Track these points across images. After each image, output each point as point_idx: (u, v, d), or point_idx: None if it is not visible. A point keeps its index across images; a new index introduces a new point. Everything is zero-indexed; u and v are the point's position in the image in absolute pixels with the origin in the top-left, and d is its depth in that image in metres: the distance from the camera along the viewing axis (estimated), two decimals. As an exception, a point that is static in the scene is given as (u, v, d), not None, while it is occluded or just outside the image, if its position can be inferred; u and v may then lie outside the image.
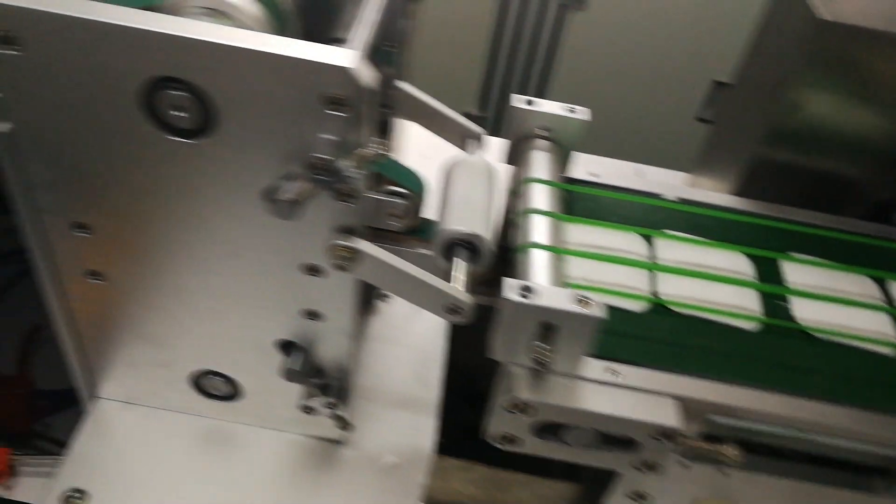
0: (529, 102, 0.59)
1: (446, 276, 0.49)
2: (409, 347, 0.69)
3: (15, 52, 0.39)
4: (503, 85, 1.90)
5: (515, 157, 0.61)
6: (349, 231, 0.45)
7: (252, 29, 0.45)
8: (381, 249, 0.45)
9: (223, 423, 0.60)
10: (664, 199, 0.65)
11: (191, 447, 0.59)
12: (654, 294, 0.55)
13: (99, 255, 0.49)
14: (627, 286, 0.55)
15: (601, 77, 1.83)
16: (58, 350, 0.82)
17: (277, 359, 0.54)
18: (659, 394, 0.48)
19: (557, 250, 0.51)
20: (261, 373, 0.55)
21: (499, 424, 0.50)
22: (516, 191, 0.58)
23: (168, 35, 0.38)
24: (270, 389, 0.56)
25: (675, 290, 0.56)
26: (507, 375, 0.48)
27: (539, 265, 0.50)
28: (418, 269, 0.47)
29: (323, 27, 0.55)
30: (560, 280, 0.50)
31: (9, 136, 0.43)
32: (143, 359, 0.56)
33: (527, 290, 0.45)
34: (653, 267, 0.57)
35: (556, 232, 0.53)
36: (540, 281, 0.49)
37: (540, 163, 0.58)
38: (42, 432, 0.75)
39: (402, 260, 0.46)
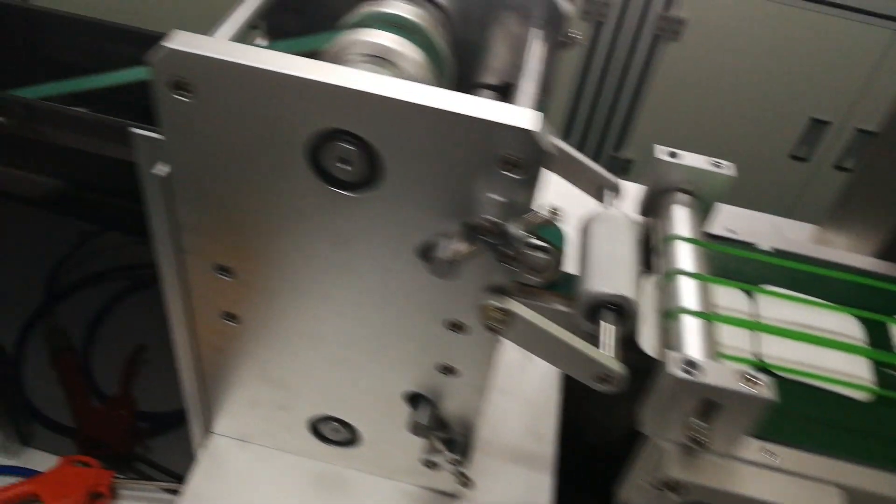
0: (673, 155, 0.57)
1: (586, 336, 0.46)
2: (521, 398, 0.67)
3: (185, 99, 0.38)
4: (588, 116, 1.87)
5: (652, 209, 0.58)
6: (501, 291, 0.43)
7: (415, 76, 0.44)
8: (533, 312, 0.43)
9: (337, 468, 0.58)
10: (803, 261, 0.62)
11: (304, 490, 0.57)
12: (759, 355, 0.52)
13: (238, 298, 0.48)
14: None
15: (692, 111, 1.79)
16: (161, 372, 0.82)
17: (403, 410, 0.52)
18: (822, 481, 0.45)
19: (710, 317, 0.48)
20: (383, 422, 0.54)
21: (640, 498, 0.47)
22: (657, 248, 0.55)
23: (345, 88, 0.36)
24: (390, 439, 0.55)
25: (780, 352, 0.53)
26: (656, 450, 0.45)
27: (692, 334, 0.47)
28: (569, 334, 0.44)
29: (468, 71, 0.54)
30: (714, 350, 0.47)
31: (166, 180, 0.42)
32: (263, 400, 0.55)
33: (691, 365, 0.42)
34: (788, 334, 0.54)
35: (704, 295, 0.51)
36: (693, 352, 0.46)
37: (682, 218, 0.56)
38: (143, 455, 0.75)
39: (553, 325, 0.44)
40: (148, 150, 0.42)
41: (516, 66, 0.51)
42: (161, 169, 0.42)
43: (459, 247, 0.40)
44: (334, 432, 0.56)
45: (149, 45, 0.37)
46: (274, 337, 0.50)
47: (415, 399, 0.52)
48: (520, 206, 0.38)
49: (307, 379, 0.52)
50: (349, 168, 0.39)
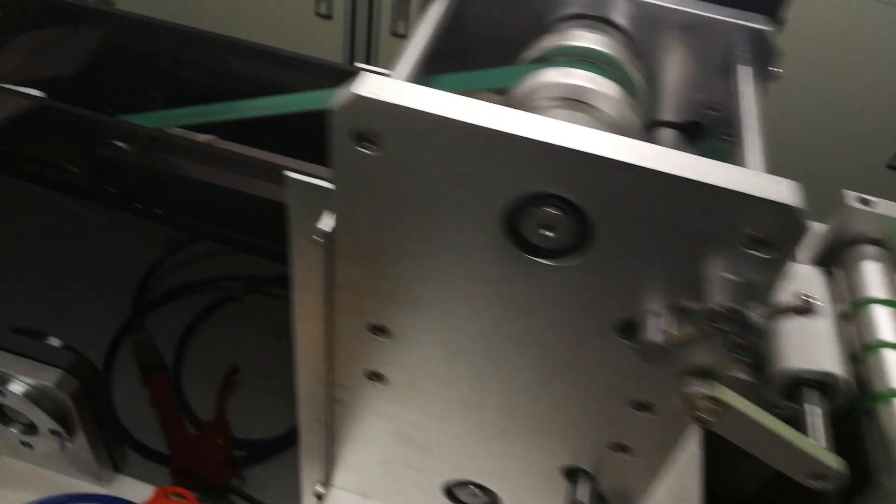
0: (865, 202, 0.50)
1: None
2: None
3: (369, 152, 0.33)
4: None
5: (834, 260, 0.52)
6: (709, 374, 0.37)
7: (618, 118, 0.38)
8: (746, 401, 0.37)
9: (468, 532, 0.53)
10: None
11: (432, 555, 0.53)
12: None
13: (391, 359, 0.43)
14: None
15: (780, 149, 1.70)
16: (256, 395, 0.78)
17: (557, 482, 0.47)
18: None
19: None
20: (531, 492, 0.48)
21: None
22: (849, 314, 0.48)
23: (566, 149, 0.30)
24: (534, 508, 0.49)
25: None
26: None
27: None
28: (783, 425, 0.38)
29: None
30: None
31: (330, 234, 0.37)
32: (397, 459, 0.50)
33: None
34: None
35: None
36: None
37: (875, 277, 0.49)
38: (239, 488, 0.71)
39: (766, 414, 0.38)
40: (309, 198, 0.37)
41: (699, 102, 0.45)
42: (327, 223, 0.36)
43: (677, 329, 0.34)
44: (472, 496, 0.51)
45: (282, 66, 0.32)
46: (424, 401, 0.45)
47: (573, 473, 0.46)
48: (762, 289, 0.32)
49: (454, 444, 0.47)
50: (552, 235, 0.33)
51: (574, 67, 0.37)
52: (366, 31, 1.90)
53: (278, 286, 0.87)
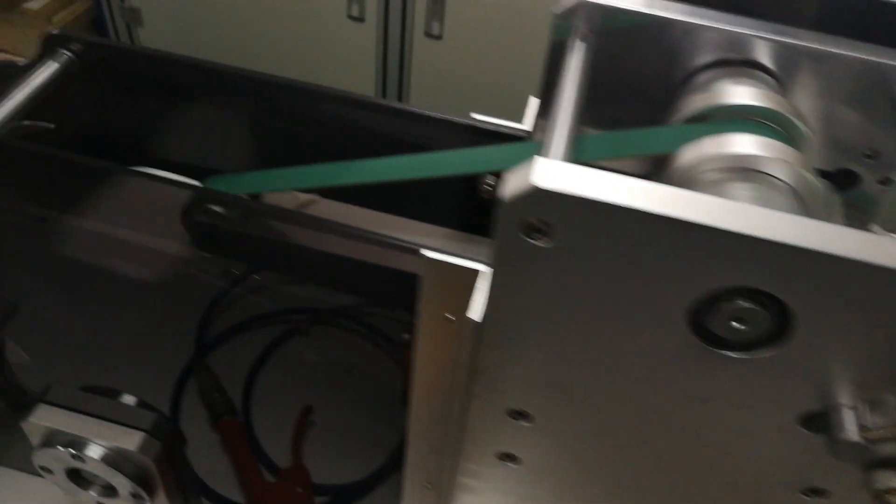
0: None
1: None
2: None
3: (539, 244, 0.29)
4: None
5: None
6: (893, 464, 0.34)
7: (795, 186, 0.34)
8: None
9: None
10: None
11: None
12: None
13: (529, 442, 0.39)
14: None
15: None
16: (332, 437, 0.75)
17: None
18: None
19: None
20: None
21: None
22: None
23: (772, 243, 0.27)
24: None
25: None
26: None
27: None
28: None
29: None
30: None
31: (480, 325, 0.33)
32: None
33: None
34: None
35: None
36: None
37: None
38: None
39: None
40: (450, 279, 0.34)
41: (854, 148, 0.41)
42: (477, 309, 0.33)
43: (873, 423, 0.31)
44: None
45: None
46: (559, 481, 0.41)
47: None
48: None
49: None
50: (744, 328, 0.30)
51: (741, 132, 0.33)
52: (399, 34, 1.86)
53: (344, 317, 0.83)
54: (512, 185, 0.28)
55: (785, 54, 0.39)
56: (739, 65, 0.38)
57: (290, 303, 0.85)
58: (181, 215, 0.44)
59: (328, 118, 0.48)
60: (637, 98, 0.38)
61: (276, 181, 0.42)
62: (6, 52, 2.12)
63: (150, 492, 0.59)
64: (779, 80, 0.39)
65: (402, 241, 0.36)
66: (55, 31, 0.48)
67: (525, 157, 0.38)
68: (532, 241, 0.29)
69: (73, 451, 0.56)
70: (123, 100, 0.51)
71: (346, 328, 0.83)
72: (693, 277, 0.28)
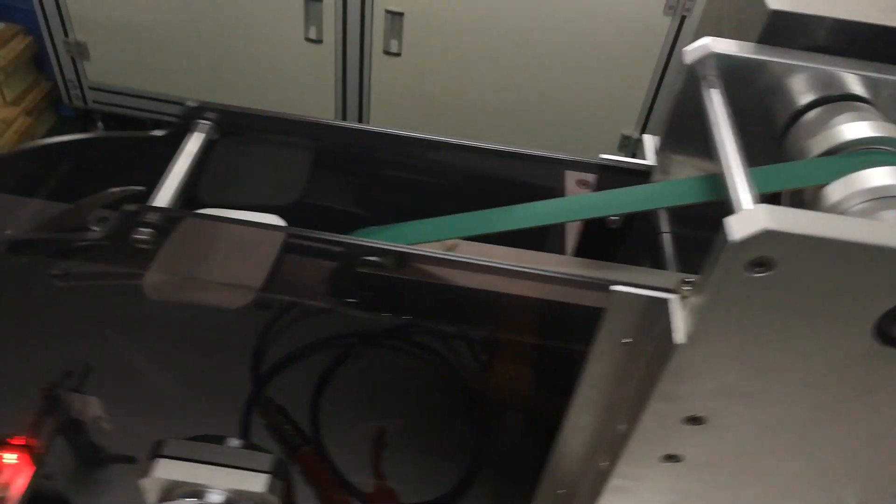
0: None
1: None
2: None
3: (759, 275, 0.33)
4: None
5: None
6: None
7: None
8: None
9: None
10: None
11: None
12: None
13: (697, 443, 0.43)
14: None
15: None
16: (406, 454, 0.77)
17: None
18: None
19: None
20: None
21: None
22: None
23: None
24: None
25: None
26: None
27: None
28: None
29: None
30: None
31: (681, 347, 0.37)
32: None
33: None
34: None
35: None
36: None
37: None
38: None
39: None
40: (635, 308, 0.38)
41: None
42: (679, 334, 0.37)
43: None
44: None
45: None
46: (718, 474, 0.45)
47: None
48: None
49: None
50: (921, 330, 0.35)
51: (879, 165, 0.38)
52: (358, 53, 1.88)
53: (394, 339, 0.85)
54: (740, 227, 0.32)
55: (873, 84, 0.45)
56: (843, 99, 0.43)
57: (334, 329, 0.86)
58: (335, 270, 0.46)
59: (451, 167, 0.51)
60: (743, 134, 0.43)
61: (428, 231, 0.44)
62: (-57, 95, 2.02)
63: (271, 530, 0.61)
64: (876, 107, 0.45)
65: (591, 278, 0.40)
66: (194, 104, 0.50)
67: (706, 191, 0.42)
68: (754, 275, 0.33)
69: (199, 500, 0.58)
70: (259, 160, 0.52)
71: (398, 349, 0.85)
72: (889, 293, 0.33)
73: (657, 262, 0.48)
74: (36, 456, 0.60)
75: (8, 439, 0.59)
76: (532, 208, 0.44)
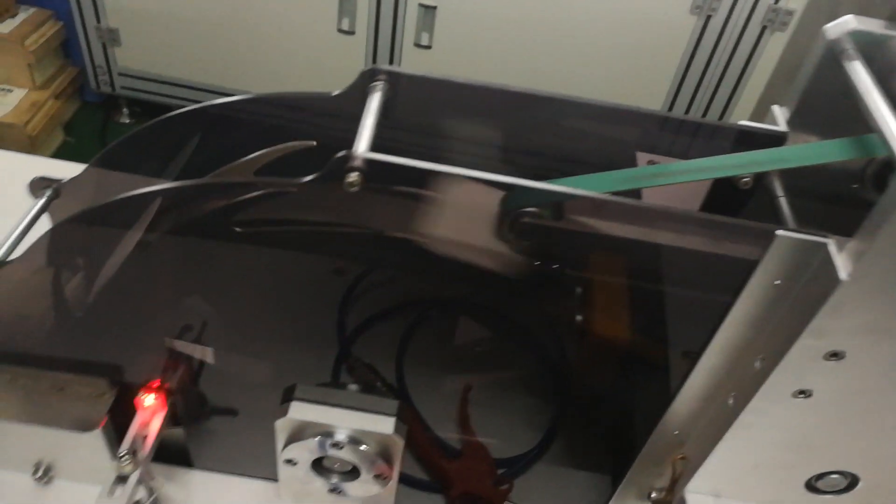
0: None
1: None
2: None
3: None
4: (685, 111, 1.87)
5: None
6: None
7: None
8: None
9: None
10: None
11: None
12: None
13: (831, 379, 0.47)
14: None
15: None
16: (488, 411, 0.80)
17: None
18: None
19: None
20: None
21: None
22: None
23: None
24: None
25: None
26: None
27: None
28: None
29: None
30: None
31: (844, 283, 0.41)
32: (773, 462, 0.55)
33: None
34: None
35: None
36: None
37: None
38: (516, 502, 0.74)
39: None
40: (794, 253, 0.41)
41: None
42: (844, 272, 0.41)
43: None
44: (830, 485, 0.57)
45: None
46: (843, 407, 0.49)
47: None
48: None
49: (846, 441, 0.52)
50: None
51: None
52: (389, 45, 1.91)
53: (469, 304, 0.88)
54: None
55: None
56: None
57: (411, 294, 0.88)
58: (499, 218, 0.49)
59: (585, 129, 0.54)
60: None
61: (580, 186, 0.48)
62: (-26, 76, 2.02)
63: (391, 472, 0.64)
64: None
65: (753, 224, 0.43)
66: (371, 67, 0.53)
67: (854, 150, 0.46)
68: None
69: (331, 441, 0.60)
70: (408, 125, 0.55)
71: (472, 315, 0.88)
72: None
73: (778, 223, 0.52)
74: (168, 400, 0.63)
75: (147, 384, 0.62)
76: (676, 167, 0.47)
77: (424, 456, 0.76)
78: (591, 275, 0.55)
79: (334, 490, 0.66)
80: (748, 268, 0.45)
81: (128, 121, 2.26)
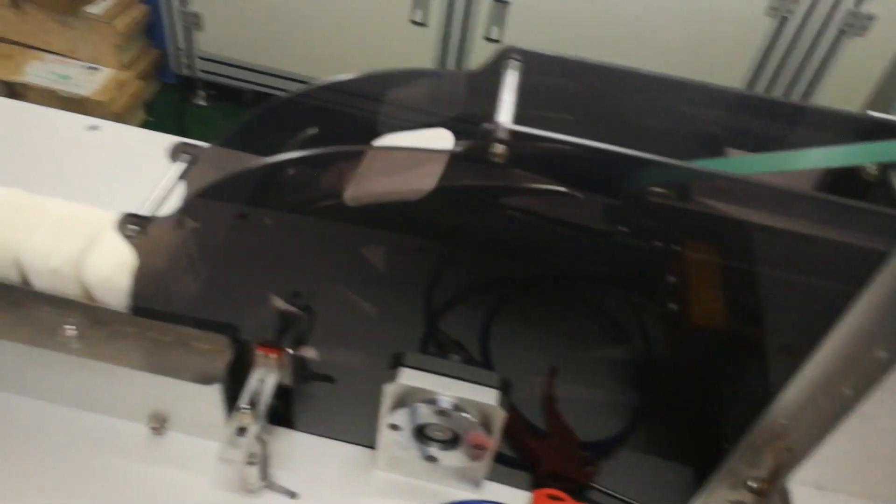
0: None
1: None
2: None
3: None
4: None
5: None
6: None
7: None
8: None
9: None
10: None
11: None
12: None
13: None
14: None
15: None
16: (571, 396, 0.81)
17: None
18: None
19: None
20: None
21: None
22: None
23: None
24: None
25: None
26: None
27: None
28: None
29: None
30: None
31: None
32: (882, 454, 0.55)
33: None
34: None
35: None
36: None
37: None
38: (598, 484, 0.74)
39: None
40: None
41: None
42: None
43: None
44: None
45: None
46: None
47: None
48: None
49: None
50: None
51: None
52: (459, 38, 1.92)
53: (554, 288, 0.88)
54: None
55: None
56: None
57: (493, 274, 0.88)
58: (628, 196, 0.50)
59: (704, 115, 0.55)
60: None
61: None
62: (65, 55, 2.09)
63: (490, 442, 0.65)
64: None
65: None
66: (508, 46, 0.54)
67: None
68: None
69: (436, 408, 0.62)
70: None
71: (555, 299, 0.88)
72: None
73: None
74: (280, 361, 0.65)
75: (262, 344, 0.64)
76: (814, 153, 0.47)
77: (512, 433, 0.76)
78: (710, 258, 0.55)
79: (430, 459, 0.67)
80: (879, 257, 0.45)
81: (203, 103, 2.31)
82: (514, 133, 0.45)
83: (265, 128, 0.66)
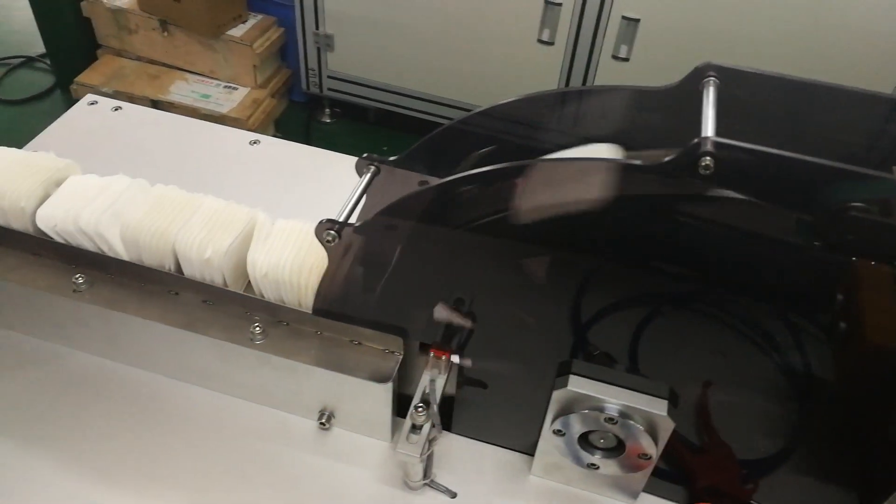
0: None
1: None
2: None
3: None
4: None
5: None
6: None
7: None
8: None
9: None
10: None
11: None
12: None
13: None
14: None
15: None
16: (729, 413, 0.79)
17: None
18: None
19: None
20: None
21: None
22: None
23: None
24: None
25: None
26: None
27: None
28: None
29: None
30: None
31: None
32: None
33: None
34: None
35: None
36: None
37: None
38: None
39: None
40: None
41: None
42: None
43: None
44: None
45: None
46: None
47: None
48: None
49: None
50: None
51: None
52: (586, 57, 1.93)
53: (705, 303, 0.87)
54: None
55: None
56: None
57: (638, 288, 0.88)
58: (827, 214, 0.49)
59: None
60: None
61: None
62: (206, 75, 2.23)
63: (654, 452, 0.65)
64: None
65: None
66: (705, 62, 0.55)
67: None
68: None
69: (604, 415, 0.62)
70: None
71: (707, 313, 0.86)
72: None
73: None
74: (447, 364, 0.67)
75: (431, 347, 0.67)
76: None
77: (670, 447, 0.76)
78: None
79: (591, 466, 0.68)
80: None
81: (329, 120, 2.42)
82: (721, 145, 0.46)
83: (439, 148, 0.70)
